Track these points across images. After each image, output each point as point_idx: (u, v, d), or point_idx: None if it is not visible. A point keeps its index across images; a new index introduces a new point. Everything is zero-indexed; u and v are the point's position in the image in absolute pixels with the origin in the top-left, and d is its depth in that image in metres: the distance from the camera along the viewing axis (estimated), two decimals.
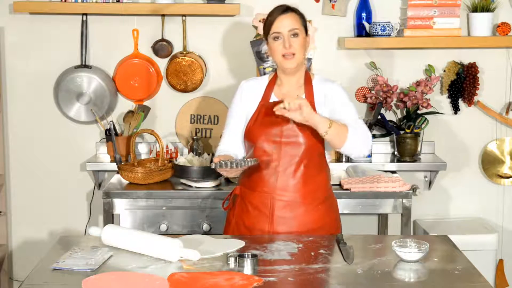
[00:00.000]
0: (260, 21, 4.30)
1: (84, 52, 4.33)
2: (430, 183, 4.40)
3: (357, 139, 2.97)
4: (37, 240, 4.49)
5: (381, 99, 4.25)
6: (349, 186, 3.85)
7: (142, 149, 4.42)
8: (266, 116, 3.08)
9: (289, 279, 2.51)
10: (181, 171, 3.96)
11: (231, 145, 3.18)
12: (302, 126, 3.00)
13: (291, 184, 3.06)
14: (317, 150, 3.08)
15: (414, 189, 4.02)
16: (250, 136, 3.11)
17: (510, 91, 4.42)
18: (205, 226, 3.88)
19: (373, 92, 4.33)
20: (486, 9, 4.23)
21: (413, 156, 4.26)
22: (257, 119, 3.10)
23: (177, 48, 4.36)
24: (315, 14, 4.34)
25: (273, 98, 3.13)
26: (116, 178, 4.11)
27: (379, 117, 4.24)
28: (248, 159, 2.95)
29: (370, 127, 4.22)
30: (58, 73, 4.34)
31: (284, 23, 3.04)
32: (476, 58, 4.36)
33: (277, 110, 2.87)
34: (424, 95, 4.24)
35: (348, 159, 4.25)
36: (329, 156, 3.19)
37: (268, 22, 3.08)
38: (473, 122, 4.44)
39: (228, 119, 3.21)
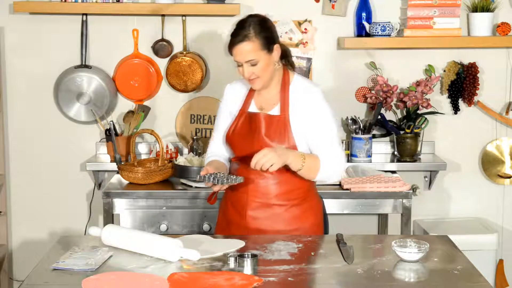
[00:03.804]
0: None
1: (84, 52, 4.33)
2: (430, 183, 4.40)
3: (328, 169, 3.04)
4: (37, 240, 4.49)
5: (381, 99, 4.25)
6: (349, 186, 3.85)
7: (142, 149, 4.42)
8: (244, 125, 3.10)
9: (289, 279, 2.51)
10: (181, 171, 3.96)
11: (220, 148, 3.21)
12: (272, 139, 3.03)
13: (264, 185, 3.07)
14: None
15: (414, 189, 4.03)
16: (229, 144, 3.16)
17: (510, 91, 4.42)
18: (205, 226, 3.88)
19: (373, 92, 4.33)
20: (486, 9, 4.23)
21: (413, 156, 4.26)
22: (236, 128, 3.12)
23: (177, 48, 4.37)
24: (315, 14, 4.34)
25: (252, 107, 3.13)
26: (116, 178, 4.11)
27: (379, 117, 4.24)
28: (234, 177, 2.97)
29: (370, 127, 4.23)
30: (58, 73, 4.34)
31: (241, 55, 2.96)
32: (476, 58, 4.36)
33: (252, 165, 2.92)
34: (424, 95, 4.24)
35: (348, 159, 4.25)
36: None
37: (229, 44, 3.00)
38: (473, 122, 4.44)
39: (217, 121, 3.24)
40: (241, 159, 3.10)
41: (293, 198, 3.09)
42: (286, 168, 3.01)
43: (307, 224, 3.12)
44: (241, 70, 3.00)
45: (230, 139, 3.14)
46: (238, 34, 2.96)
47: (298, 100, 3.06)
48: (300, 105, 3.06)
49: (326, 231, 3.25)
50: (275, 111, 3.07)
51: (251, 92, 3.14)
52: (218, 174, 2.98)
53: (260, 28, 2.96)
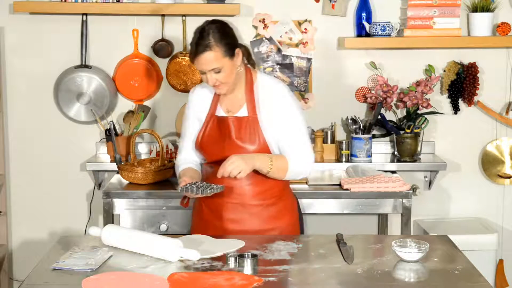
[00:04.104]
0: (260, 21, 4.30)
1: (84, 52, 4.33)
2: (430, 183, 4.40)
3: (296, 168, 3.07)
4: (37, 240, 4.49)
5: (381, 99, 4.25)
6: (349, 186, 3.85)
7: (142, 149, 4.42)
8: (214, 130, 3.10)
9: (289, 279, 2.52)
10: None
11: (190, 154, 3.20)
12: (243, 141, 3.03)
13: (238, 186, 3.07)
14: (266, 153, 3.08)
15: (414, 189, 4.02)
16: (200, 150, 3.15)
17: (510, 91, 4.42)
18: None
19: (373, 92, 4.33)
20: (486, 9, 4.23)
21: (413, 156, 4.26)
22: (206, 133, 3.11)
23: (177, 48, 4.36)
24: (315, 14, 4.34)
25: (219, 110, 3.12)
26: (116, 178, 4.11)
27: (379, 117, 4.24)
28: (215, 186, 2.96)
29: (370, 127, 4.23)
30: (58, 73, 4.34)
31: (204, 64, 2.95)
32: (476, 58, 4.36)
33: (219, 175, 2.94)
34: (424, 95, 4.24)
35: (348, 159, 4.25)
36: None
37: (191, 53, 2.98)
38: (473, 122, 4.44)
39: (184, 127, 3.22)
40: (214, 164, 3.09)
41: (268, 198, 3.11)
42: (255, 171, 3.02)
43: (283, 223, 3.14)
44: (205, 78, 2.99)
45: (201, 145, 3.13)
46: (199, 44, 2.94)
47: (265, 98, 3.07)
48: (267, 103, 3.06)
49: (302, 230, 3.26)
50: (243, 112, 3.07)
51: (217, 95, 3.12)
52: (198, 183, 2.97)
53: (220, 36, 2.95)
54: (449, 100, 4.41)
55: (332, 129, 4.35)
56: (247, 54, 3.09)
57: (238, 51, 3.00)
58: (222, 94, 3.07)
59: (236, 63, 3.00)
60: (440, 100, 4.41)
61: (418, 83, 4.27)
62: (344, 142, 4.26)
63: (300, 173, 3.11)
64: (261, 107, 3.06)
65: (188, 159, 3.21)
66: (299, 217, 3.26)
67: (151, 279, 2.48)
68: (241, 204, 3.08)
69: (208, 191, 2.94)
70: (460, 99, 4.39)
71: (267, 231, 3.08)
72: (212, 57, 2.93)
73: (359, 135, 4.22)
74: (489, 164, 4.45)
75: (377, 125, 4.31)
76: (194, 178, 3.07)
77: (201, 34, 2.95)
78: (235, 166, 2.92)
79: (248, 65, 3.13)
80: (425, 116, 4.30)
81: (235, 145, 3.04)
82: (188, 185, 2.97)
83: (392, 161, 4.29)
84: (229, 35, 3.00)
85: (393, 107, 4.33)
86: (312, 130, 4.35)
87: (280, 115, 3.05)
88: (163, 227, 3.87)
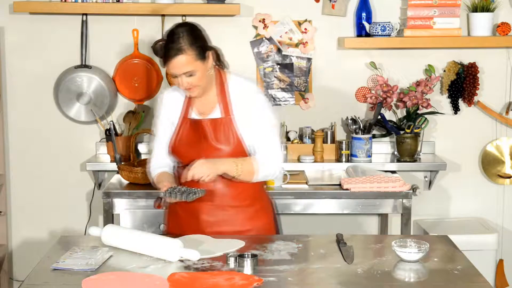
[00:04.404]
0: (260, 21, 4.30)
1: (84, 52, 4.33)
2: (430, 183, 4.40)
3: (265, 170, 3.06)
4: (37, 240, 4.49)
5: (381, 99, 4.25)
6: (349, 186, 3.85)
7: (142, 149, 4.42)
8: (188, 133, 3.08)
9: (289, 279, 2.52)
10: None
11: (163, 157, 3.17)
12: (220, 142, 3.03)
13: (215, 189, 3.06)
14: (241, 156, 3.07)
15: (414, 189, 4.02)
16: (175, 154, 3.12)
17: (510, 91, 4.42)
18: None
19: (373, 92, 4.33)
20: (486, 9, 4.23)
21: (413, 156, 4.26)
22: (180, 137, 3.09)
23: None
24: (315, 14, 4.34)
25: (192, 113, 3.10)
26: (116, 178, 4.11)
27: (379, 117, 4.24)
28: (197, 191, 2.94)
29: (370, 127, 4.23)
30: (58, 73, 4.34)
31: (177, 68, 2.92)
32: (476, 58, 4.36)
33: (183, 180, 2.94)
34: (424, 95, 4.24)
35: (348, 159, 4.25)
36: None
37: (164, 56, 2.95)
38: (473, 122, 4.44)
39: (156, 131, 3.18)
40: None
41: (244, 199, 3.10)
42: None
43: (260, 224, 3.14)
44: (178, 82, 2.97)
45: (176, 149, 3.11)
46: (171, 48, 2.91)
47: (237, 98, 3.06)
48: (240, 104, 3.05)
49: (277, 231, 3.26)
50: (216, 114, 3.06)
51: (189, 98, 3.10)
52: (180, 188, 2.95)
53: (192, 39, 2.93)
54: (449, 100, 4.41)
55: (332, 129, 4.35)
56: (217, 55, 3.07)
57: (209, 54, 2.99)
58: (194, 97, 3.06)
59: (208, 66, 2.99)
60: (440, 100, 4.41)
61: (418, 83, 4.27)
62: (344, 142, 4.26)
63: (269, 175, 3.10)
64: (234, 108, 3.05)
65: (161, 163, 3.17)
66: (275, 218, 3.26)
67: (151, 279, 2.48)
68: (218, 206, 3.07)
69: (192, 196, 2.92)
70: (460, 99, 4.39)
71: (244, 232, 3.07)
72: (184, 60, 2.91)
73: (359, 135, 4.22)
74: (489, 164, 4.45)
75: (377, 125, 4.32)
76: (171, 183, 3.05)
77: (172, 38, 2.93)
78: (202, 171, 2.92)
79: (219, 67, 3.10)
80: (425, 116, 4.30)
81: (211, 147, 3.03)
82: (170, 189, 2.95)
83: (392, 161, 4.29)
84: (200, 38, 2.98)
85: (393, 107, 4.33)
86: (312, 130, 4.36)
87: (252, 115, 3.04)
88: (163, 227, 3.86)
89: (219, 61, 3.08)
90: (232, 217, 3.09)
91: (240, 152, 3.05)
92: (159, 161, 3.18)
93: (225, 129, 3.03)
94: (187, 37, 2.92)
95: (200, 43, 2.95)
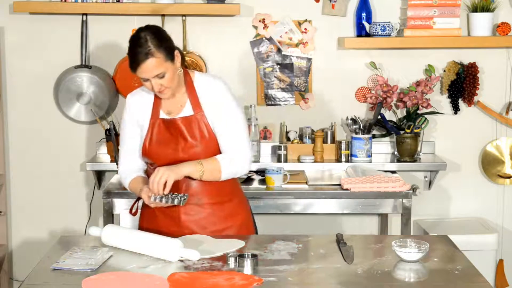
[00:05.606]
0: (260, 21, 4.30)
1: (84, 52, 4.33)
2: (430, 183, 4.40)
3: (231, 167, 3.03)
4: (37, 240, 4.49)
5: (381, 99, 4.25)
6: (349, 186, 3.85)
7: None
8: (160, 134, 3.06)
9: (289, 279, 2.52)
10: None
11: (133, 163, 3.15)
12: (196, 139, 3.02)
13: (193, 187, 3.05)
14: (217, 151, 3.07)
15: (414, 189, 4.02)
16: (149, 156, 3.09)
17: (510, 91, 4.42)
18: None
19: (373, 92, 4.33)
20: (486, 9, 4.23)
21: (413, 156, 4.26)
22: (152, 138, 3.07)
23: None
24: (315, 14, 4.34)
25: (162, 113, 3.08)
26: (116, 178, 4.11)
27: (379, 117, 4.24)
28: (182, 195, 2.94)
29: (370, 127, 4.23)
30: (58, 73, 4.34)
31: (148, 71, 2.91)
32: (476, 58, 4.36)
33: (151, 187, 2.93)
34: (424, 95, 4.24)
35: (348, 159, 4.25)
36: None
37: (131, 61, 2.93)
38: (473, 122, 4.44)
39: (123, 135, 3.15)
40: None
41: (223, 195, 3.10)
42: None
43: (239, 221, 3.13)
44: (149, 85, 2.96)
45: (149, 150, 3.07)
46: (138, 52, 2.88)
47: (205, 95, 3.05)
48: (208, 100, 3.04)
49: (255, 225, 3.25)
50: (186, 112, 3.05)
51: (157, 99, 3.09)
52: (166, 195, 2.93)
53: (158, 41, 2.90)
54: (449, 100, 4.41)
55: (332, 129, 4.35)
56: (182, 55, 3.06)
57: (177, 53, 2.98)
58: (165, 98, 3.05)
59: (177, 66, 2.98)
60: (440, 100, 4.41)
61: (418, 83, 4.27)
62: (344, 142, 4.26)
63: (237, 172, 3.07)
64: (204, 105, 3.05)
65: (132, 168, 3.15)
66: (251, 212, 3.26)
67: (151, 279, 2.48)
68: (196, 204, 3.07)
69: (181, 201, 2.91)
70: (460, 99, 4.39)
71: (223, 230, 3.07)
72: (155, 63, 2.89)
73: (359, 135, 4.22)
74: (489, 164, 4.45)
75: (377, 125, 4.32)
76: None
77: (138, 42, 2.90)
78: (161, 176, 2.89)
79: (184, 66, 3.10)
80: (425, 116, 4.30)
81: (188, 144, 3.02)
82: (157, 197, 2.93)
83: (392, 161, 4.29)
84: (166, 39, 2.96)
85: (393, 107, 4.33)
86: (312, 130, 4.36)
87: (220, 111, 3.04)
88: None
89: (183, 61, 3.08)
90: (211, 215, 3.07)
91: (216, 146, 3.05)
92: (130, 166, 3.15)
93: (199, 125, 3.03)
94: (153, 40, 2.89)
95: (167, 44, 2.94)
